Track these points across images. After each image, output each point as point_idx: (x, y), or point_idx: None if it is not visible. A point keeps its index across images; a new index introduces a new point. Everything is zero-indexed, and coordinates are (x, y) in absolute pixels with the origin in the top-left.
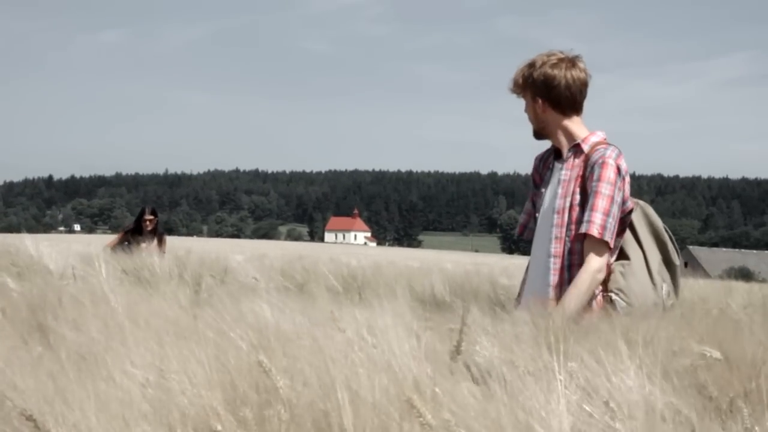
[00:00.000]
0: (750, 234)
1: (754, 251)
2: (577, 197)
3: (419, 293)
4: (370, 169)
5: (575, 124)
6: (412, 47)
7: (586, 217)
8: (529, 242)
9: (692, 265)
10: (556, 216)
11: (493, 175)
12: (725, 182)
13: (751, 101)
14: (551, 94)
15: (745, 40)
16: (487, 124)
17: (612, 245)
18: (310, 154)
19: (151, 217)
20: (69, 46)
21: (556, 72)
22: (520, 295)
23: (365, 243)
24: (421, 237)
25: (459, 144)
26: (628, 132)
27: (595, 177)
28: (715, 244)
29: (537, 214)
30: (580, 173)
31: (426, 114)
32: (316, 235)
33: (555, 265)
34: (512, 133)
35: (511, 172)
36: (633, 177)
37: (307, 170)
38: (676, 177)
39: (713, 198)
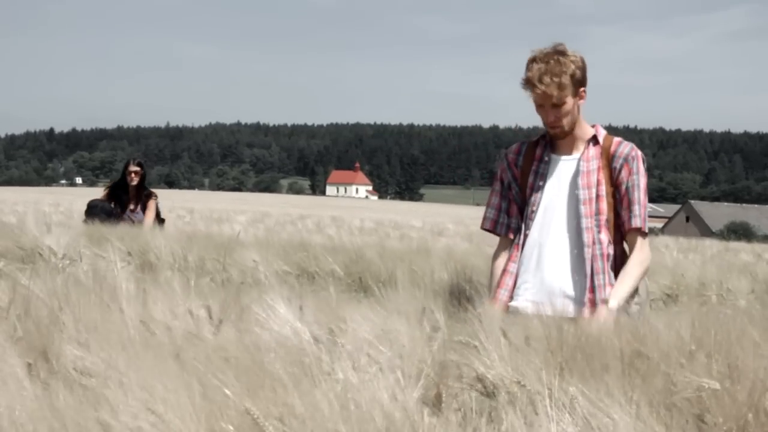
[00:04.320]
0: (751, 188)
1: (756, 206)
2: (603, 188)
3: (421, 276)
4: (372, 123)
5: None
6: None
7: (635, 212)
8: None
9: (693, 219)
10: (583, 207)
11: (494, 129)
12: (727, 136)
13: (753, 55)
14: (586, 81)
15: None
16: (488, 77)
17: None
18: (312, 108)
19: (137, 169)
20: None
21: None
22: (499, 288)
23: (366, 197)
24: (422, 190)
25: (461, 97)
26: (629, 85)
27: (634, 171)
28: (717, 199)
29: (530, 209)
30: (601, 164)
31: (428, 67)
32: (317, 189)
33: (587, 255)
34: (514, 86)
35: (513, 126)
36: (634, 131)
37: (309, 123)
38: (678, 131)
39: (715, 152)
